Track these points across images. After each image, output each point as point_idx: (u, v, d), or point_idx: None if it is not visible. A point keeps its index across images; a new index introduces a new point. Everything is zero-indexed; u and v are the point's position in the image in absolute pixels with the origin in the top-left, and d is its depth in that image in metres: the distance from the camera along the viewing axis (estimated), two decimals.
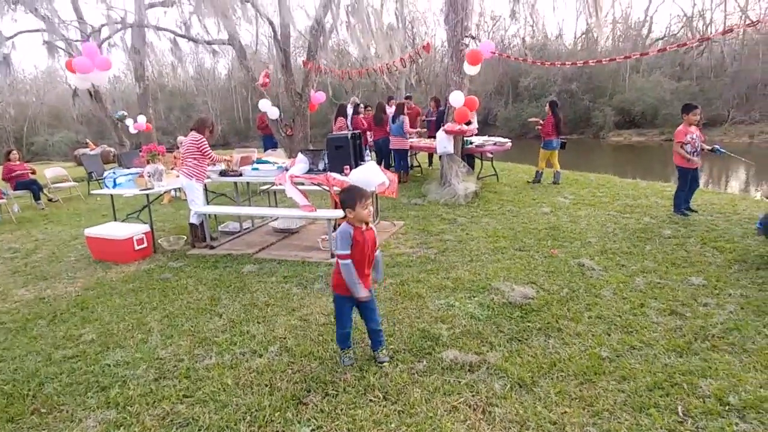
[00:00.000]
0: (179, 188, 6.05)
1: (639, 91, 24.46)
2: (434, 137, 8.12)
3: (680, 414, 2.24)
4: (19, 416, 2.58)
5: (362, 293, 2.65)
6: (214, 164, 5.73)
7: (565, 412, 2.30)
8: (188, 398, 2.62)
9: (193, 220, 5.50)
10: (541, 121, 8.48)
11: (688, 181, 5.73)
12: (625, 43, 29.44)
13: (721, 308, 3.28)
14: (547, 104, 8.46)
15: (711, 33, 25.85)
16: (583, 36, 31.58)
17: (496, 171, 9.09)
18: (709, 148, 5.67)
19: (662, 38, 29.67)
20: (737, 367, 2.58)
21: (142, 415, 2.48)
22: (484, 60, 6.96)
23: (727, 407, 2.27)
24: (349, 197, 2.63)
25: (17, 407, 2.65)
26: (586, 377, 2.57)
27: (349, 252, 2.60)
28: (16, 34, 13.73)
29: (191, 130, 5.43)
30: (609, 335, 3.01)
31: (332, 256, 4.82)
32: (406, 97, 11.06)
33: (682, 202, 5.81)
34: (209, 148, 5.39)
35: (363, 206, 2.60)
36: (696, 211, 5.83)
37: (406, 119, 8.81)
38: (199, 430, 2.34)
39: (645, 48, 27.92)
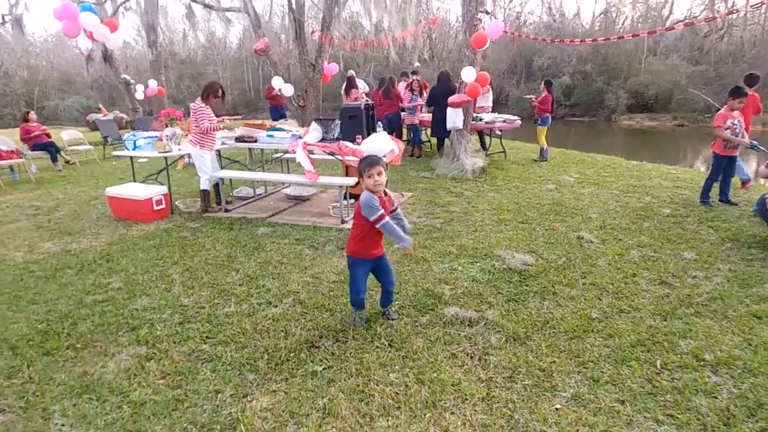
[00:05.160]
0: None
1: (654, 74, 24.09)
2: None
3: (658, 366, 2.47)
4: (55, 350, 2.84)
5: (407, 240, 2.73)
6: (215, 130, 5.52)
7: (554, 361, 2.54)
8: (211, 339, 2.88)
9: (205, 186, 5.63)
10: (534, 98, 8.84)
11: (721, 170, 5.44)
12: (644, 23, 28.83)
13: (708, 280, 3.48)
14: (543, 82, 8.83)
15: (732, 18, 25.24)
16: (602, 15, 30.95)
17: (504, 148, 9.20)
18: (748, 144, 5.24)
19: (683, 20, 29.00)
20: (716, 330, 2.80)
21: (171, 351, 2.75)
22: (496, 40, 7.02)
23: (702, 363, 2.49)
24: (360, 166, 2.76)
25: (52, 343, 2.91)
26: (576, 334, 2.80)
27: (381, 212, 2.66)
28: None
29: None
30: (600, 300, 3.23)
31: (342, 222, 5.04)
32: (403, 74, 11.07)
33: (708, 190, 5.51)
34: (206, 116, 5.26)
35: (368, 174, 2.67)
36: (736, 204, 5.44)
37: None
38: (222, 364, 2.60)
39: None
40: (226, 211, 5.64)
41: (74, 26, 7.16)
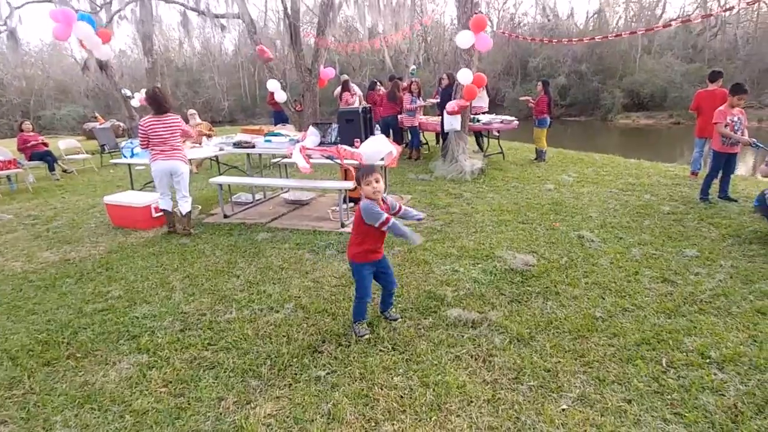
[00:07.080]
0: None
1: (649, 73, 24.22)
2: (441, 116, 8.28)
3: (664, 365, 2.45)
4: (55, 360, 2.81)
5: (417, 237, 2.78)
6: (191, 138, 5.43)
7: (559, 361, 2.52)
8: (212, 346, 2.85)
9: (189, 206, 5.05)
10: (532, 100, 8.74)
11: (720, 166, 5.45)
12: (638, 23, 28.99)
13: (711, 277, 3.48)
14: (540, 83, 8.72)
15: (726, 16, 25.41)
16: (596, 16, 31.10)
17: (502, 149, 9.20)
18: (748, 141, 5.22)
19: (676, 19, 29.19)
20: (721, 327, 2.79)
21: (172, 359, 2.72)
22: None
23: (707, 360, 2.48)
24: (358, 175, 2.79)
25: (53, 353, 2.88)
26: (580, 333, 2.78)
27: (385, 216, 2.68)
28: (24, 5, 13.77)
29: (162, 113, 4.83)
30: (603, 299, 3.21)
31: (342, 225, 5.03)
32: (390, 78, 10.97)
33: (708, 187, 5.51)
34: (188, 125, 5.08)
35: (366, 183, 2.70)
36: (736, 201, 5.46)
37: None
38: (224, 371, 2.58)
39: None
40: (226, 216, 5.62)
41: (66, 30, 7.12)
